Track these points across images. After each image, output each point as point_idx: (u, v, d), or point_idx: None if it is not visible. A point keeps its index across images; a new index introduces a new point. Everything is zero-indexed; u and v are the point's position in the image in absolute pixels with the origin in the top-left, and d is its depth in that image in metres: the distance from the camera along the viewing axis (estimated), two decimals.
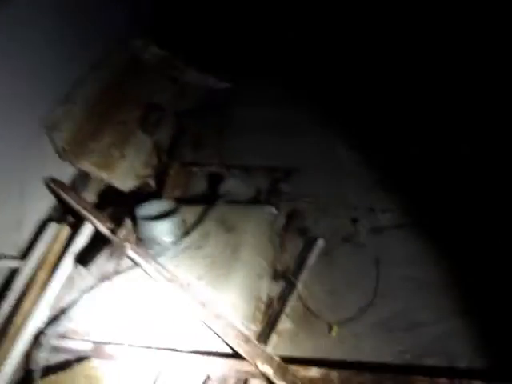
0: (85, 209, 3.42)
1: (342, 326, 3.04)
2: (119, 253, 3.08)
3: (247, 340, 2.71)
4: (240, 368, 2.69)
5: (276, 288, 3.29)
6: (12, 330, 2.89)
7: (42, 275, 3.16)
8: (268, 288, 3.25)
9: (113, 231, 3.24)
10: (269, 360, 2.62)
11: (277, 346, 2.94)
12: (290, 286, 3.29)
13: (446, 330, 2.97)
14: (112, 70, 4.80)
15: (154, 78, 5.33)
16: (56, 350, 2.88)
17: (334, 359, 2.82)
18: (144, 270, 3.06)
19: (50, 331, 2.88)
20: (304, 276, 3.35)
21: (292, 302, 3.19)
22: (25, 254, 3.31)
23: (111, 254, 3.07)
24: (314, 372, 2.61)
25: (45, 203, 3.64)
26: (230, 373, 2.69)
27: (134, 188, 4.02)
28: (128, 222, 3.31)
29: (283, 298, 3.22)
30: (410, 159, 4.16)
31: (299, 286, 3.28)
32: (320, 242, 3.55)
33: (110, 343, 2.87)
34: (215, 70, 5.71)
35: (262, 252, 3.38)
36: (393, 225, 3.70)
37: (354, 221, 3.74)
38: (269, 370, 2.58)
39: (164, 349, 2.82)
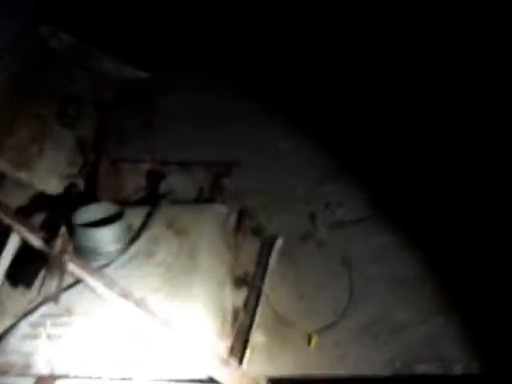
0: (9, 217, 2.88)
1: (320, 334, 2.71)
2: (57, 268, 2.57)
3: (227, 362, 2.31)
4: None
5: (240, 296, 2.91)
6: None
7: None
8: (232, 297, 2.86)
9: (47, 242, 2.73)
10: None
11: (251, 363, 2.57)
12: (255, 293, 2.92)
13: (432, 331, 2.73)
14: (19, 60, 4.22)
15: (67, 68, 4.79)
16: None
17: (323, 376, 2.47)
18: (90, 287, 2.58)
19: None
20: (268, 280, 2.99)
21: (260, 311, 2.82)
22: None
23: (47, 271, 2.55)
24: None
25: None
26: None
27: (60, 190, 3.50)
28: (63, 231, 2.81)
29: (250, 307, 2.85)
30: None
31: (265, 291, 2.91)
32: (279, 242, 3.21)
33: (55, 376, 2.39)
34: (131, 59, 5.21)
35: (219, 256, 3.01)
36: (352, 219, 3.42)
37: (312, 216, 3.42)
38: None
39: (121, 379, 2.38)
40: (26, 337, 2.49)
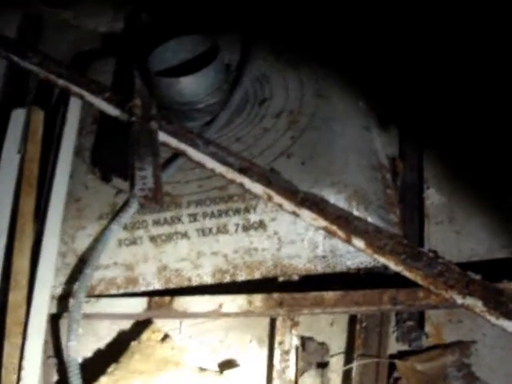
0: (62, 75, 2.07)
1: None
2: (146, 143, 1.78)
3: (416, 253, 1.55)
4: (411, 297, 1.58)
5: (391, 140, 2.08)
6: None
7: (26, 199, 1.90)
8: (382, 143, 2.04)
9: (120, 104, 1.93)
10: (468, 285, 1.50)
11: (434, 238, 1.81)
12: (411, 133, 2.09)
13: None
14: None
15: None
16: (89, 317, 1.74)
17: None
18: (194, 161, 1.81)
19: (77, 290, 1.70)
20: None
21: (426, 159, 2.00)
22: None
23: (133, 149, 1.76)
24: None
25: None
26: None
27: (118, 23, 2.61)
28: (140, 85, 2.00)
29: (410, 154, 2.03)
30: None
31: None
32: None
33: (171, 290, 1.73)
34: None
35: (352, 86, 2.13)
36: None
37: None
38: (476, 303, 1.46)
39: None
40: (121, 244, 1.78)
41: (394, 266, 1.56)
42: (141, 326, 1.74)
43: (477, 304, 1.46)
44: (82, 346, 1.71)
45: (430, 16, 2.28)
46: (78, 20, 2.55)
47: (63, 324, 1.78)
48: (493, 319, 1.44)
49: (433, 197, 1.92)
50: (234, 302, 1.68)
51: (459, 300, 1.48)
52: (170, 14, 2.44)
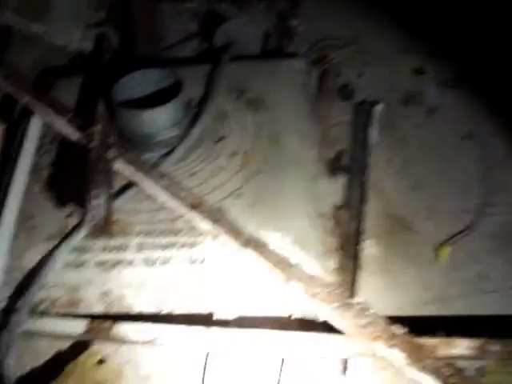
0: (26, 93, 2.12)
1: (451, 244, 2.02)
2: (101, 169, 1.85)
3: (345, 303, 1.66)
4: (336, 345, 1.68)
5: (337, 188, 2.19)
6: None
7: None
8: (328, 191, 2.14)
9: (82, 129, 1.99)
10: (392, 338, 1.61)
11: (366, 289, 1.91)
12: (357, 184, 2.20)
13: None
14: None
15: None
16: (30, 334, 1.78)
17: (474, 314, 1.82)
18: (147, 193, 1.88)
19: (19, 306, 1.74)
20: (371, 165, 2.26)
21: (368, 211, 2.12)
22: None
23: (88, 174, 1.83)
24: (462, 347, 1.62)
25: None
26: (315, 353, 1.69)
27: (86, 44, 2.66)
28: (101, 112, 2.06)
29: (354, 205, 2.15)
30: None
31: (368, 180, 2.20)
32: (378, 108, 2.42)
33: (112, 315, 1.79)
34: None
35: (307, 135, 2.25)
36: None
37: (419, 72, 2.59)
38: (398, 356, 1.57)
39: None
40: (68, 265, 1.83)
41: (323, 314, 1.66)
42: (80, 346, 1.77)
43: (399, 356, 1.56)
44: (19, 362, 1.73)
45: None
46: (49, 35, 2.58)
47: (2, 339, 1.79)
48: (412, 373, 1.55)
49: (369, 248, 2.02)
50: (171, 334, 1.73)
51: (383, 352, 1.58)
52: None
